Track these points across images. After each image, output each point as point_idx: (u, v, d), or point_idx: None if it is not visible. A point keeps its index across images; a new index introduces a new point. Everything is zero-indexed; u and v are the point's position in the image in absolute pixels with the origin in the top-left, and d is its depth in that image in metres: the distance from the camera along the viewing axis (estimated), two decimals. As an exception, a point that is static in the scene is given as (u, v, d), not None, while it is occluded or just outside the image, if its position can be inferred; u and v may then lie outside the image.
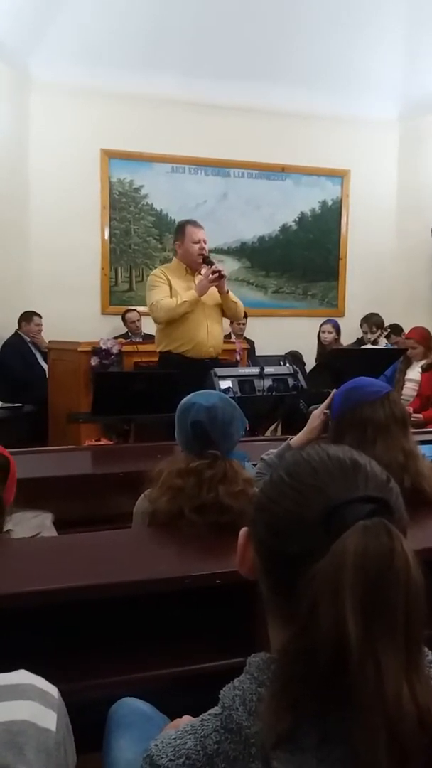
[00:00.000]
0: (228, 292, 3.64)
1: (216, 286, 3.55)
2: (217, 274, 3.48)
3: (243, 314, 3.87)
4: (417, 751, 0.58)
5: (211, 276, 3.47)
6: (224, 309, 3.69)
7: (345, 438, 1.69)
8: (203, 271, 3.60)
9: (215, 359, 3.71)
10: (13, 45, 5.30)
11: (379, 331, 5.68)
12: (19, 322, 5.55)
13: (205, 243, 3.64)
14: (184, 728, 0.69)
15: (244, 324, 6.24)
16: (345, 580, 0.59)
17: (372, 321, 5.76)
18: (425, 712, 0.58)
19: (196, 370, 3.40)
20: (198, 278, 3.61)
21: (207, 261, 3.58)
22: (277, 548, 0.68)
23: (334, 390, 1.90)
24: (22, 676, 0.80)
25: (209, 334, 3.59)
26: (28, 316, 5.53)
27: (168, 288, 3.53)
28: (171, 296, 3.51)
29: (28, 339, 5.55)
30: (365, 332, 5.80)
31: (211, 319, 3.61)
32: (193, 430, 1.69)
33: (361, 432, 1.70)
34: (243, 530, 0.76)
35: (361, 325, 5.91)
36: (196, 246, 3.59)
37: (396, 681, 0.58)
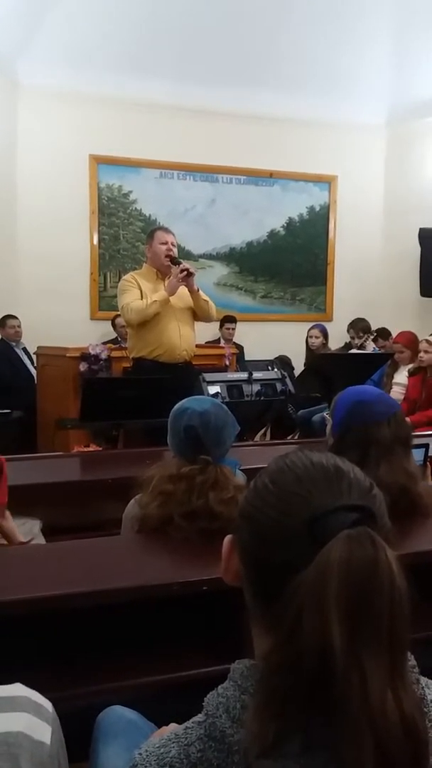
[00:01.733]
0: (198, 290, 3.63)
1: (185, 285, 3.54)
2: (185, 272, 3.48)
3: (215, 314, 3.83)
4: (402, 758, 0.58)
5: (179, 274, 3.47)
6: (195, 309, 3.67)
7: (346, 455, 1.65)
8: (172, 271, 3.59)
9: (188, 363, 3.69)
10: (1, 49, 5.30)
11: (366, 336, 5.72)
12: None
13: (173, 245, 3.65)
14: (168, 736, 0.69)
15: (232, 329, 6.26)
16: (330, 590, 0.59)
17: (358, 326, 5.79)
18: (410, 720, 0.59)
19: (171, 375, 3.39)
20: (167, 282, 3.61)
21: (174, 261, 3.58)
22: (261, 556, 0.69)
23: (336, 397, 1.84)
24: (17, 689, 0.80)
25: (181, 337, 3.58)
26: (2, 321, 5.50)
27: (138, 292, 3.54)
28: (141, 299, 3.51)
29: (14, 344, 5.53)
30: (352, 337, 5.84)
31: (182, 322, 3.60)
32: (185, 435, 1.69)
33: (364, 452, 1.66)
34: (228, 538, 0.77)
35: (347, 331, 5.95)
36: (163, 247, 3.59)
37: (381, 689, 0.58)
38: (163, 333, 3.52)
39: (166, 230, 3.75)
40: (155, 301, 3.45)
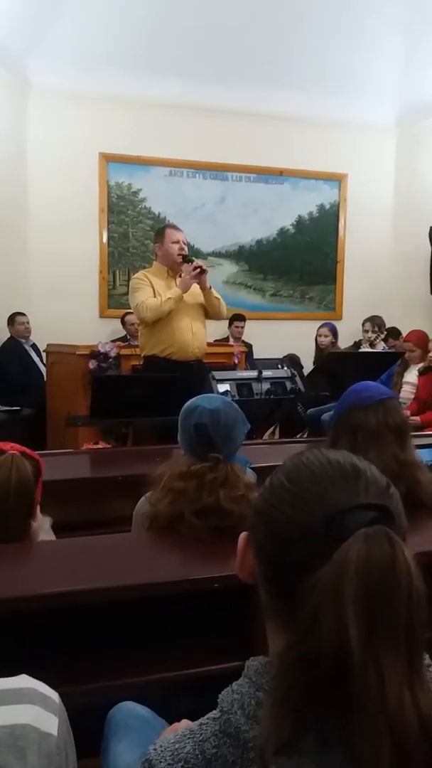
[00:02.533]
0: (210, 288, 3.64)
1: (198, 282, 3.56)
2: (198, 270, 3.50)
3: (225, 312, 3.85)
4: (419, 757, 0.58)
5: (192, 272, 3.49)
6: (207, 307, 3.68)
7: (340, 442, 1.67)
8: (184, 269, 3.60)
9: (200, 361, 3.70)
10: (12, 49, 5.31)
11: (379, 333, 5.69)
12: (7, 326, 5.55)
13: (184, 244, 3.67)
14: (182, 732, 0.69)
15: (242, 327, 6.25)
16: (347, 589, 0.59)
17: (375, 321, 5.77)
18: (427, 719, 0.58)
19: (183, 373, 3.40)
20: (180, 279, 3.62)
21: (186, 259, 3.59)
22: (276, 554, 0.69)
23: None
24: (23, 681, 0.80)
25: (194, 334, 3.60)
26: (11, 318, 5.53)
27: (151, 290, 3.55)
28: (154, 296, 3.52)
29: (23, 341, 5.55)
30: (366, 331, 5.78)
31: (194, 319, 3.61)
32: (196, 432, 1.69)
33: (353, 437, 1.68)
34: (243, 535, 0.77)
35: (363, 324, 5.89)
36: (175, 246, 3.61)
37: (398, 688, 0.58)
38: (175, 331, 3.53)
39: (176, 228, 3.75)
40: (170, 298, 3.47)
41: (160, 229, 3.83)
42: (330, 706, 0.60)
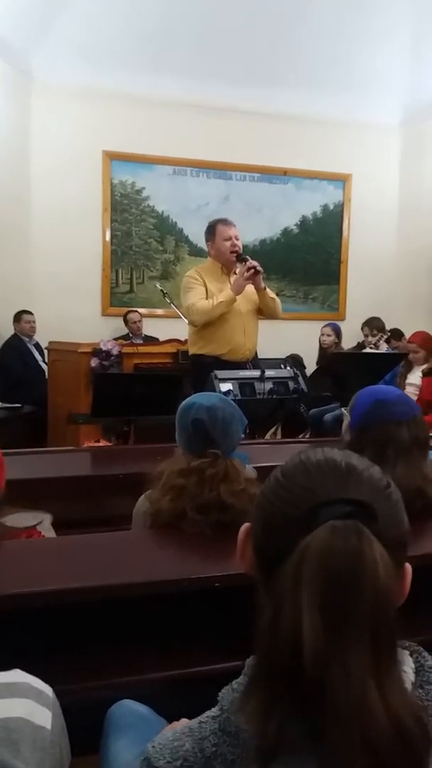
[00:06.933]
0: (265, 288, 3.51)
1: (252, 283, 3.42)
2: (252, 270, 3.35)
3: (281, 312, 3.70)
4: (393, 759, 0.56)
5: (246, 273, 3.35)
6: (261, 307, 3.56)
7: (364, 453, 1.64)
8: (238, 269, 3.47)
9: (250, 362, 3.58)
10: (16, 45, 5.31)
11: (380, 335, 5.68)
12: (13, 323, 5.56)
13: (237, 239, 3.51)
14: (181, 730, 0.69)
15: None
16: (305, 575, 0.59)
17: (373, 325, 5.77)
18: (398, 718, 0.56)
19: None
20: (234, 277, 3.49)
21: (240, 258, 3.45)
22: (265, 545, 0.69)
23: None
24: (16, 675, 0.80)
25: (246, 336, 3.50)
26: (18, 316, 5.54)
27: (203, 289, 3.43)
28: (207, 297, 3.40)
29: (27, 339, 5.56)
30: (366, 335, 5.80)
31: (247, 320, 3.50)
32: (194, 428, 1.69)
33: (382, 451, 1.64)
34: (244, 526, 0.77)
35: (362, 329, 5.91)
36: (228, 243, 3.47)
37: (361, 684, 0.57)
38: (228, 333, 3.43)
39: (226, 223, 3.55)
40: (222, 302, 3.35)
41: (211, 225, 3.59)
42: (296, 704, 0.58)
